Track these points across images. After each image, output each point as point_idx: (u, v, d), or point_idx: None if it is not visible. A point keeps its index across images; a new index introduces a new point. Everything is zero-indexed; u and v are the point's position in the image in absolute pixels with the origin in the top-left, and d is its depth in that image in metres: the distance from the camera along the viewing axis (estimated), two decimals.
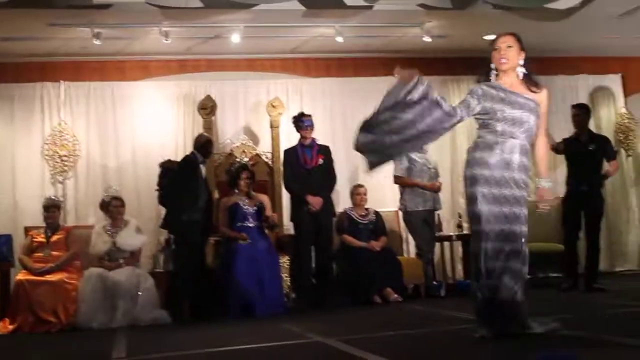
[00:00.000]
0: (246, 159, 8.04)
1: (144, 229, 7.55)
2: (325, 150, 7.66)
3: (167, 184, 7.39)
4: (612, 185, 9.51)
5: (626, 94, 10.04)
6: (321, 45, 8.64)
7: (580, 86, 9.87)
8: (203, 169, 7.29)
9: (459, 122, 4.27)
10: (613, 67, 10.06)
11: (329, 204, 7.55)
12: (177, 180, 7.20)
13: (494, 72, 4.37)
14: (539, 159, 4.45)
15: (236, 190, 7.44)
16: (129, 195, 8.15)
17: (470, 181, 4.26)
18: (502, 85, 4.33)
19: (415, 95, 4.15)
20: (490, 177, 4.20)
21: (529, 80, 4.36)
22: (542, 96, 4.37)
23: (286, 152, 7.73)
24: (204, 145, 7.30)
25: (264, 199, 7.60)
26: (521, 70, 4.36)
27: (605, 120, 9.86)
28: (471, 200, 4.25)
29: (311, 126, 7.58)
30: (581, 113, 7.52)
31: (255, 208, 7.37)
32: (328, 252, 7.53)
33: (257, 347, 4.76)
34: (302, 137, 7.58)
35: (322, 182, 7.50)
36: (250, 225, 7.30)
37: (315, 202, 7.33)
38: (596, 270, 7.29)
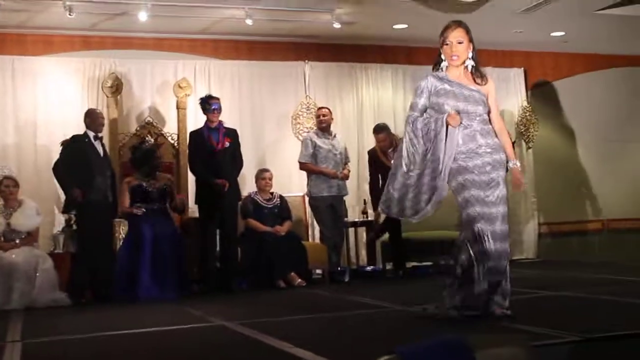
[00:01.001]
0: (151, 140, 7.88)
1: (43, 208, 7.32)
2: (232, 133, 7.55)
3: (58, 165, 7.16)
4: (512, 175, 9.77)
5: (528, 87, 10.34)
6: (231, 27, 8.54)
7: None
8: (99, 146, 7.09)
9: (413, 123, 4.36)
10: (517, 61, 10.35)
11: (235, 187, 7.47)
12: (64, 160, 7.03)
13: (445, 63, 4.41)
14: (505, 144, 4.49)
15: (141, 171, 7.31)
16: (28, 175, 7.93)
17: (457, 171, 4.30)
18: (448, 77, 4.39)
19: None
20: (472, 167, 4.29)
21: (476, 72, 4.44)
22: (488, 87, 4.44)
23: (192, 134, 7.58)
24: (88, 117, 7.15)
25: (168, 179, 7.48)
26: (470, 63, 4.42)
27: (508, 113, 10.12)
28: (460, 189, 4.31)
29: (218, 109, 7.42)
30: None
31: (158, 189, 7.26)
32: (233, 236, 7.46)
33: (158, 330, 4.70)
34: (209, 120, 7.45)
35: (228, 165, 7.40)
36: (154, 207, 7.19)
37: (221, 184, 7.25)
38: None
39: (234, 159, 7.49)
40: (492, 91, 4.47)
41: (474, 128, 4.32)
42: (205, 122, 7.49)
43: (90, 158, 6.95)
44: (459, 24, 4.45)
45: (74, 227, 7.25)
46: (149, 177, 7.30)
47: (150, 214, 7.11)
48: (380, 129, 8.10)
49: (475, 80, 4.42)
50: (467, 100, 4.34)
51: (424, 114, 4.38)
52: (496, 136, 4.41)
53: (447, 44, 4.39)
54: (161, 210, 7.24)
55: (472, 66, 4.43)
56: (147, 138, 7.85)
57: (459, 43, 4.38)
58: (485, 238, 4.21)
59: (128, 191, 7.22)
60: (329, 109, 8.21)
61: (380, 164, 7.92)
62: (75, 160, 6.94)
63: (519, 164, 4.53)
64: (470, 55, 4.42)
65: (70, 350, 4.14)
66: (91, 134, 7.04)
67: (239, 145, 7.57)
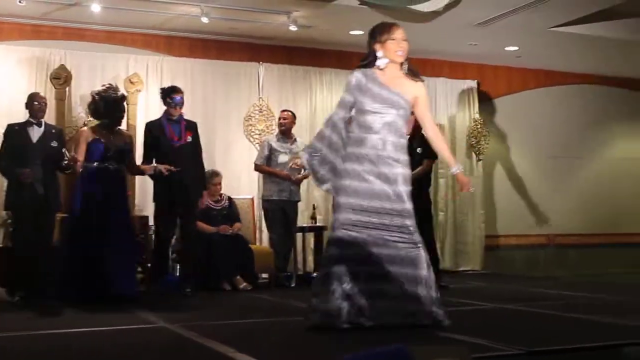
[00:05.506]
0: (119, 89, 7.08)
1: None
2: (193, 127, 7.03)
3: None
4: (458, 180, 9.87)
5: (480, 100, 10.41)
6: (186, 24, 8.43)
7: (439, 89, 10.12)
8: (34, 132, 6.56)
9: (343, 119, 4.47)
10: (470, 73, 10.42)
11: (197, 184, 7.00)
12: (2, 151, 6.53)
13: (384, 60, 4.42)
14: (437, 150, 4.56)
15: (101, 123, 6.65)
16: None
17: (344, 175, 4.36)
18: (374, 75, 4.42)
19: None
20: (362, 171, 4.32)
21: (410, 71, 4.48)
22: (417, 90, 4.47)
23: (149, 125, 7.04)
24: (27, 101, 6.68)
25: (129, 137, 6.93)
26: (405, 65, 4.47)
27: (460, 124, 10.19)
28: (345, 193, 4.34)
29: (181, 104, 6.93)
30: (411, 120, 7.69)
31: (117, 148, 6.56)
32: (193, 236, 7.00)
33: (95, 330, 4.58)
34: (169, 113, 6.95)
35: (190, 161, 6.88)
36: (110, 166, 6.51)
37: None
38: (437, 267, 7.47)
39: (196, 154, 7.03)
40: (422, 95, 4.49)
41: (379, 136, 4.35)
42: (165, 113, 7.02)
43: (21, 146, 6.47)
44: (400, 26, 4.50)
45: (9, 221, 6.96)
46: (108, 131, 6.64)
47: (104, 174, 6.48)
48: None
49: (411, 78, 4.46)
50: (383, 103, 4.37)
51: (351, 113, 4.46)
52: (400, 149, 4.40)
53: (393, 40, 4.41)
54: (116, 172, 6.57)
55: (407, 68, 4.48)
56: (113, 85, 6.97)
57: (404, 40, 4.43)
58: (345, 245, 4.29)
59: (84, 144, 6.51)
60: (290, 112, 8.11)
61: None
62: (9, 148, 6.52)
63: (461, 168, 4.56)
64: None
65: None
66: (29, 120, 6.62)
67: (199, 139, 7.12)
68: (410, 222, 4.34)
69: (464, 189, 4.56)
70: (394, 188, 4.32)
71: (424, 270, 4.32)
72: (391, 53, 4.41)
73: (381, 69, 4.44)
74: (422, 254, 4.34)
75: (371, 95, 4.37)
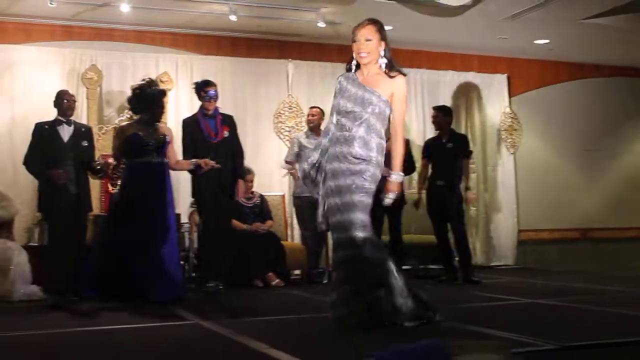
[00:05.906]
0: (159, 83, 7.10)
1: (19, 200, 7.19)
2: (230, 121, 6.93)
3: (27, 157, 6.57)
4: (493, 182, 9.83)
5: (511, 94, 10.33)
6: (214, 22, 8.46)
7: (469, 83, 10.08)
8: (64, 131, 6.49)
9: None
10: (500, 67, 10.34)
11: (235, 182, 6.87)
12: (30, 150, 6.49)
13: (353, 62, 4.43)
14: (392, 152, 4.43)
15: (142, 117, 6.40)
16: (5, 166, 7.79)
17: (327, 176, 4.39)
18: (354, 76, 4.41)
19: None
20: (332, 170, 4.33)
21: (388, 65, 4.40)
22: (393, 86, 4.37)
23: (186, 122, 6.95)
24: (55, 100, 6.57)
25: (167, 131, 6.58)
26: (383, 62, 4.39)
27: (490, 118, 10.12)
28: (326, 195, 4.40)
29: (215, 97, 6.88)
30: (439, 115, 7.71)
31: (156, 141, 6.30)
32: (225, 234, 6.89)
33: (131, 327, 4.62)
34: (204, 108, 6.89)
35: (228, 157, 6.78)
36: (154, 160, 6.29)
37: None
38: (469, 262, 7.45)
39: (234, 149, 6.90)
40: (397, 91, 4.38)
41: (354, 134, 4.30)
42: (200, 109, 6.95)
43: (51, 145, 6.42)
44: (370, 21, 4.43)
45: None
46: (148, 125, 6.37)
47: (149, 168, 6.25)
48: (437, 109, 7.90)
49: (389, 75, 4.37)
50: (355, 102, 4.33)
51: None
52: (375, 148, 4.32)
53: (355, 42, 4.38)
54: (159, 165, 6.30)
55: (385, 64, 4.39)
56: (154, 80, 6.73)
57: (367, 40, 4.35)
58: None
59: (123, 139, 6.30)
60: (319, 109, 8.05)
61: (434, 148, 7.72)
62: (38, 147, 6.47)
63: (399, 178, 4.42)
64: (382, 53, 4.39)
65: (32, 344, 4.07)
66: (58, 119, 6.56)
67: (237, 133, 7.01)
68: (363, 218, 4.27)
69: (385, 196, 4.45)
70: (358, 182, 4.26)
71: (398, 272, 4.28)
72: (355, 55, 4.39)
73: (354, 71, 4.43)
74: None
75: (348, 96, 4.35)
